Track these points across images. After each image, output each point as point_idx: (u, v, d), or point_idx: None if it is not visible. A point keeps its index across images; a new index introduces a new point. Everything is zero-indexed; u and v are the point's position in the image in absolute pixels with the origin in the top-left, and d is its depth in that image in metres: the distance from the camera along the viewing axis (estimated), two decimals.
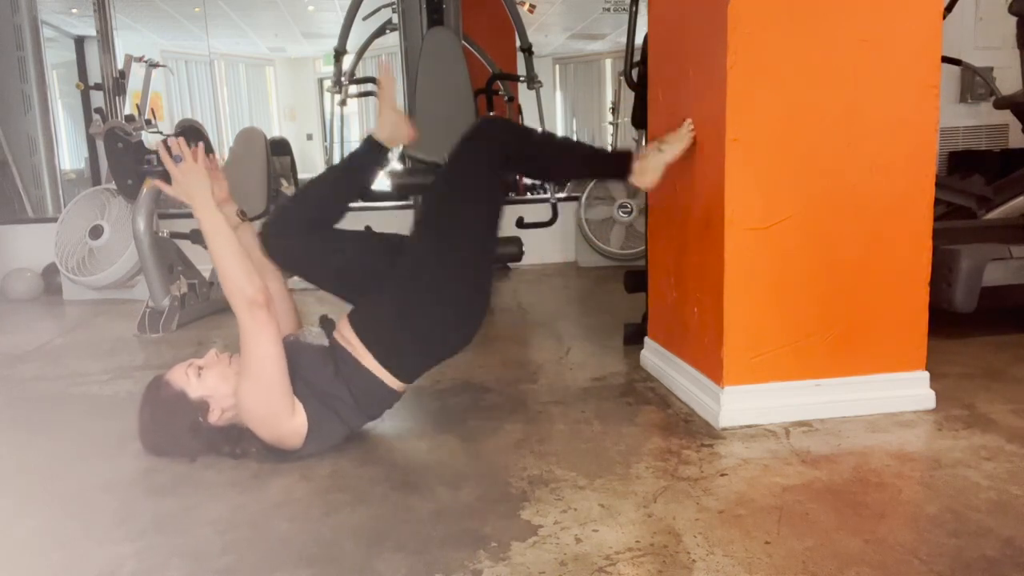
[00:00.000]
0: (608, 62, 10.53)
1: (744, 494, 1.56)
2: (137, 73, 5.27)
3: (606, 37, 9.86)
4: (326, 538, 1.44)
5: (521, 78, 4.75)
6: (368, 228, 1.98)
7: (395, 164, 6.21)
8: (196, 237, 3.87)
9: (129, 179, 3.45)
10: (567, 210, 4.82)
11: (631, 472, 1.68)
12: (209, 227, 1.72)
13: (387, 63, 2.12)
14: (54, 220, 4.44)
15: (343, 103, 4.76)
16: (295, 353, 1.80)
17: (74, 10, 6.87)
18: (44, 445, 2.04)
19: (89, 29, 6.03)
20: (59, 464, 1.89)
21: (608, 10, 8.03)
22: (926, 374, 2.01)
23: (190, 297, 3.63)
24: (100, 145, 4.14)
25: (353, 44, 4.66)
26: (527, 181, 7.70)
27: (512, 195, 5.75)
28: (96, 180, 6.13)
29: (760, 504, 1.51)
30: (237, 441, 1.80)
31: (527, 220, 4.46)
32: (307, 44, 9.62)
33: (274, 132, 8.97)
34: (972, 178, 3.62)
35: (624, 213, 4.81)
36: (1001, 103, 3.57)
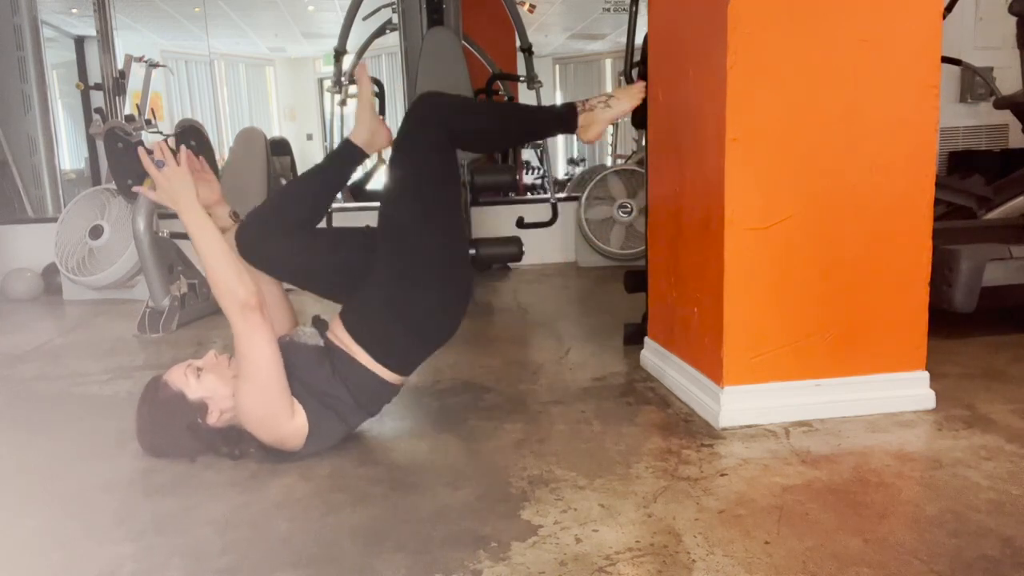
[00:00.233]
0: (608, 62, 10.52)
1: (744, 494, 1.56)
2: (137, 73, 5.27)
3: (606, 37, 9.86)
4: (326, 538, 1.44)
5: (521, 78, 4.75)
6: (368, 227, 1.97)
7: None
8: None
9: (129, 179, 3.44)
10: (567, 210, 4.82)
11: (631, 472, 1.68)
12: (195, 230, 1.71)
13: (363, 62, 2.10)
14: (54, 220, 4.44)
15: (343, 103, 4.76)
16: (290, 354, 1.80)
17: (74, 10, 6.87)
18: (44, 445, 2.04)
19: (89, 29, 6.03)
20: (59, 464, 1.89)
21: (608, 10, 8.03)
22: (926, 374, 2.01)
23: (190, 297, 3.63)
24: (100, 145, 4.14)
25: (353, 44, 4.66)
26: (527, 181, 7.71)
27: (512, 195, 5.75)
28: (96, 180, 6.13)
29: (760, 504, 1.51)
30: (236, 442, 1.80)
31: (527, 220, 4.46)
32: (307, 44, 9.61)
33: (274, 132, 8.97)
34: (972, 178, 3.62)
35: (624, 213, 4.81)
36: (1001, 103, 3.56)
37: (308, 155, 9.21)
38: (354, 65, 5.09)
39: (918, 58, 1.90)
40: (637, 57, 2.73)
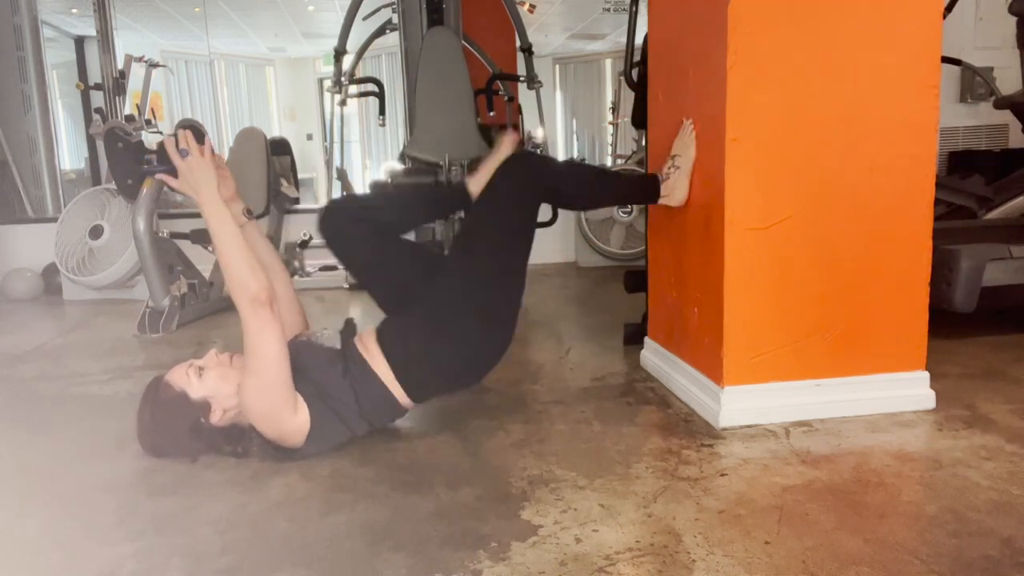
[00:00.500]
0: (608, 62, 10.53)
1: (744, 494, 1.56)
2: (137, 73, 5.28)
3: (606, 37, 9.86)
4: (326, 538, 1.44)
5: (521, 78, 4.75)
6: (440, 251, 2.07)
7: (395, 164, 6.21)
8: (196, 237, 3.87)
9: (129, 179, 3.45)
10: (567, 210, 4.82)
11: (631, 472, 1.68)
12: (214, 223, 1.72)
13: (516, 134, 2.25)
14: (54, 220, 4.45)
15: (343, 103, 4.75)
16: (305, 353, 1.81)
17: (74, 10, 6.87)
18: (44, 445, 2.04)
19: (89, 29, 6.03)
20: (59, 464, 1.89)
21: (608, 10, 8.03)
22: (926, 374, 2.01)
23: (190, 297, 3.63)
24: (100, 145, 4.15)
25: (353, 44, 4.66)
26: None
27: None
28: (96, 180, 6.13)
29: (760, 504, 1.51)
30: (239, 440, 1.80)
31: None
32: (307, 44, 9.62)
33: (274, 132, 8.97)
34: (972, 178, 3.62)
35: (624, 213, 4.81)
36: (1001, 103, 3.57)
37: (308, 155, 9.22)
38: (354, 65, 5.10)
39: (918, 58, 1.90)
40: (637, 57, 2.73)
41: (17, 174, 5.22)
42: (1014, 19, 3.17)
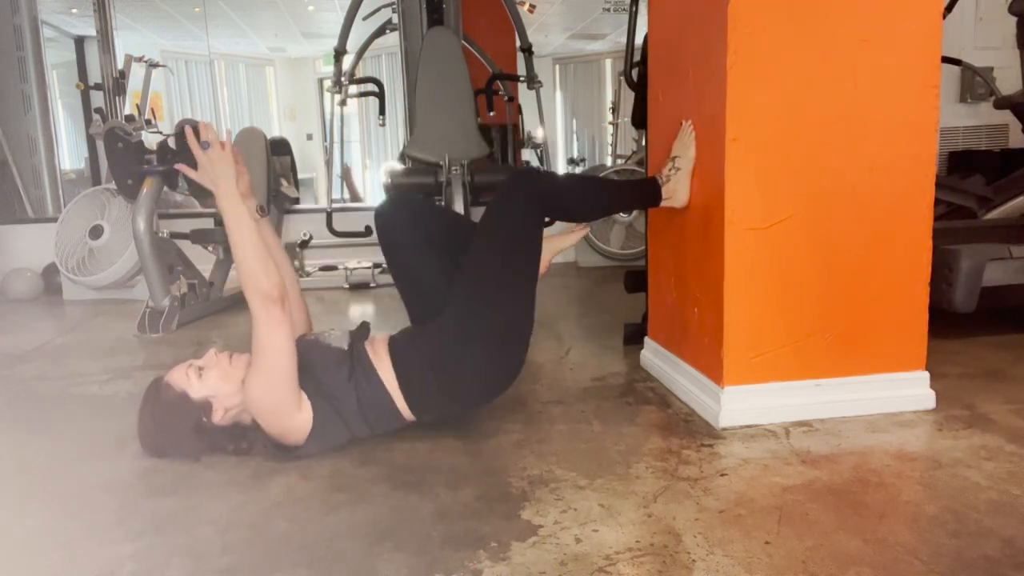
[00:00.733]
0: (608, 62, 10.53)
1: (744, 494, 1.56)
2: (137, 73, 5.28)
3: (606, 37, 9.86)
4: (326, 538, 1.45)
5: (521, 78, 4.75)
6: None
7: (395, 164, 6.21)
8: (196, 237, 3.87)
9: (129, 179, 3.45)
10: None
11: (631, 472, 1.68)
12: (231, 217, 1.72)
13: (585, 230, 2.30)
14: (54, 220, 4.45)
15: (343, 103, 4.76)
16: (312, 352, 1.81)
17: (74, 10, 6.87)
18: (44, 445, 2.04)
19: (89, 29, 6.03)
20: (59, 464, 1.89)
21: (608, 10, 8.03)
22: (926, 374, 2.01)
23: (190, 297, 3.63)
24: (100, 145, 4.15)
25: (353, 44, 4.66)
26: None
27: None
28: (96, 180, 6.14)
29: (760, 504, 1.51)
30: (241, 438, 1.80)
31: None
32: (307, 44, 9.62)
33: (274, 132, 8.98)
34: (972, 178, 3.62)
35: (624, 213, 4.81)
36: (1001, 103, 3.57)
37: (308, 155, 9.23)
38: (354, 65, 5.10)
39: (918, 58, 1.90)
40: (637, 57, 2.73)
41: (17, 174, 5.22)
42: (1014, 19, 3.17)
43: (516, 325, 1.93)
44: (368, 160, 9.49)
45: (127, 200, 3.64)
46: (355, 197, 8.44)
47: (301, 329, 1.99)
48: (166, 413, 1.78)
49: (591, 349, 2.78)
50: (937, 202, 2.83)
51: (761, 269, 1.91)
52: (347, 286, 4.46)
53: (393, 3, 4.95)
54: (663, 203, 2.11)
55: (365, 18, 4.85)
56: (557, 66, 10.75)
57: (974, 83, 4.79)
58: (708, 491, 1.57)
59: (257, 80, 9.79)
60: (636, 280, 2.85)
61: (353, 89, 4.97)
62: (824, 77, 1.87)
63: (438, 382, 1.87)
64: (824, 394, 1.96)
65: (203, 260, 3.91)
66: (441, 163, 3.81)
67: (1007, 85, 4.22)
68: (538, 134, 5.43)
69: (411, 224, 2.01)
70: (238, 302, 3.80)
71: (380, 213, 2.03)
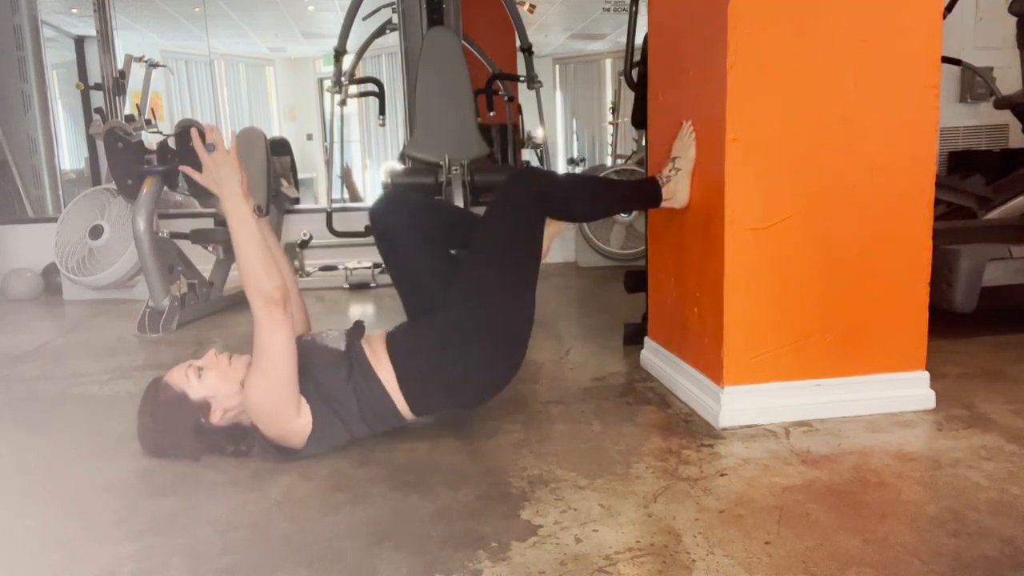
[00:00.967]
0: (608, 62, 10.53)
1: (744, 494, 1.56)
2: (137, 73, 5.28)
3: (606, 37, 9.86)
4: (326, 538, 1.45)
5: (521, 78, 4.76)
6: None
7: (395, 164, 6.21)
8: (196, 237, 3.87)
9: (129, 179, 3.45)
10: None
11: (631, 472, 1.68)
12: (236, 219, 1.71)
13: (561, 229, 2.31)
14: (54, 220, 4.45)
15: (343, 103, 4.76)
16: (310, 353, 1.81)
17: (74, 10, 6.87)
18: (44, 445, 2.04)
19: (89, 29, 6.03)
20: (59, 464, 1.89)
21: (608, 10, 8.03)
22: (926, 374, 2.01)
23: (190, 297, 3.63)
24: (100, 145, 4.15)
25: (353, 44, 4.66)
26: None
27: None
28: (96, 180, 6.13)
29: (760, 504, 1.51)
30: (240, 439, 1.80)
31: None
32: (307, 44, 9.62)
33: (274, 132, 8.97)
34: (972, 178, 3.62)
35: (624, 214, 4.81)
36: (1001, 103, 3.57)
37: (308, 155, 9.23)
38: (354, 65, 5.10)
39: (918, 58, 1.90)
40: (637, 57, 2.73)
41: (17, 174, 5.22)
42: (1014, 19, 3.17)
43: (515, 324, 1.93)
44: (368, 160, 9.49)
45: (127, 200, 3.64)
46: (355, 197, 8.44)
47: (300, 329, 1.99)
48: (165, 413, 1.78)
49: (591, 349, 2.78)
50: (937, 202, 2.83)
51: (761, 269, 1.91)
52: (347, 286, 4.46)
53: (393, 3, 4.95)
54: (663, 204, 2.11)
55: (365, 18, 4.85)
56: (557, 66, 10.75)
57: (974, 83, 4.79)
58: (708, 491, 1.57)
59: (257, 80, 9.79)
60: (636, 280, 2.85)
61: (353, 89, 4.97)
62: (824, 77, 1.87)
63: (437, 381, 1.87)
64: (824, 394, 1.96)
65: (203, 260, 3.91)
66: (441, 163, 3.81)
67: (1007, 85, 4.22)
68: (538, 134, 5.43)
69: (408, 222, 2.00)
70: (238, 302, 3.80)
71: (375, 211, 2.02)
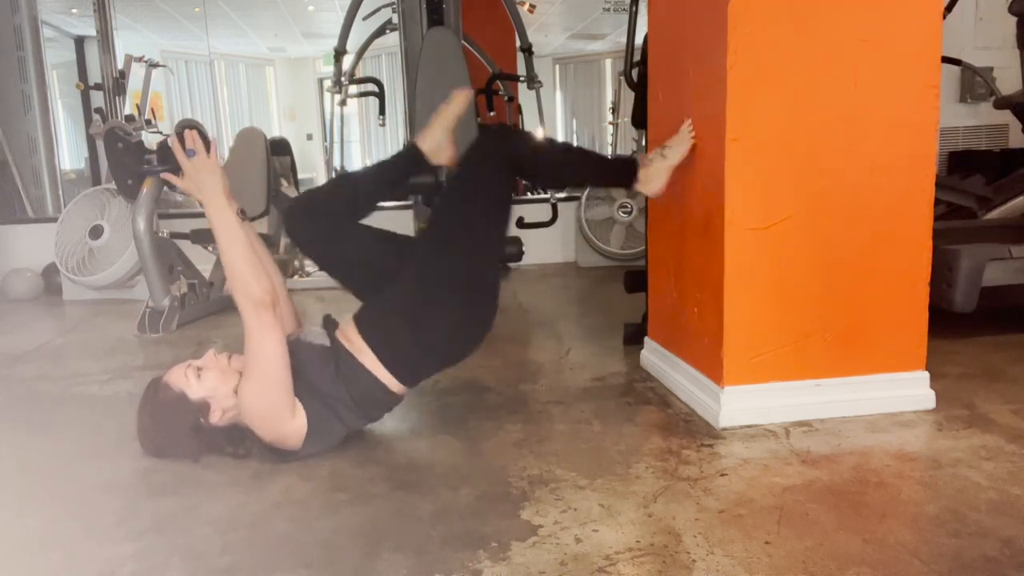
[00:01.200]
0: (608, 62, 10.52)
1: (744, 494, 1.56)
2: (137, 73, 5.27)
3: (606, 37, 9.85)
4: (326, 538, 1.44)
5: (521, 78, 4.76)
6: (411, 237, 2.01)
7: None
8: (196, 237, 3.87)
9: (129, 179, 3.45)
10: (567, 210, 4.82)
11: (631, 472, 1.68)
12: (219, 224, 1.71)
13: (469, 91, 2.20)
14: (54, 220, 4.44)
15: (343, 103, 4.76)
16: (297, 352, 1.80)
17: (74, 10, 6.87)
18: (44, 445, 2.04)
19: (89, 29, 6.03)
20: (59, 464, 1.89)
21: (608, 10, 8.02)
22: (926, 374, 2.01)
23: (190, 297, 3.63)
24: (100, 145, 4.14)
25: (353, 44, 4.66)
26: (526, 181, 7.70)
27: (512, 195, 5.74)
28: (96, 180, 6.13)
29: (760, 504, 1.51)
30: (239, 441, 1.80)
31: (527, 220, 4.46)
32: (307, 44, 9.61)
33: (274, 132, 8.96)
34: (972, 178, 3.62)
35: (624, 213, 4.81)
36: (1001, 103, 3.57)
37: (308, 155, 9.22)
38: (354, 65, 5.10)
39: (918, 58, 1.90)
40: (637, 57, 2.73)
41: (17, 174, 5.22)
42: (1014, 19, 3.17)
43: (484, 281, 1.93)
44: (368, 160, 9.48)
45: (127, 200, 3.64)
46: None
47: (289, 327, 1.98)
48: (164, 413, 1.78)
49: (591, 349, 2.77)
50: (937, 202, 2.83)
51: (761, 269, 1.91)
52: None
53: (393, 3, 4.95)
54: (636, 186, 2.06)
55: (365, 18, 4.85)
56: (557, 66, 10.74)
57: (974, 83, 4.79)
58: (708, 491, 1.57)
59: (257, 80, 9.79)
60: (636, 280, 2.85)
61: (353, 89, 4.97)
62: (824, 77, 1.87)
63: (419, 346, 1.86)
64: (824, 394, 1.96)
65: (203, 260, 3.91)
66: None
67: (1007, 85, 4.22)
68: (538, 134, 5.43)
69: (315, 215, 1.93)
70: None
71: (291, 230, 1.96)
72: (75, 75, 7.04)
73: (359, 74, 5.69)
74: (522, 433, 1.95)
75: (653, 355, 2.43)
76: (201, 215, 4.55)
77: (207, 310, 3.73)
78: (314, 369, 1.80)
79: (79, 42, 7.11)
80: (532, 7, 7.64)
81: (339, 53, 4.53)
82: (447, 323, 1.87)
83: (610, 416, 2.06)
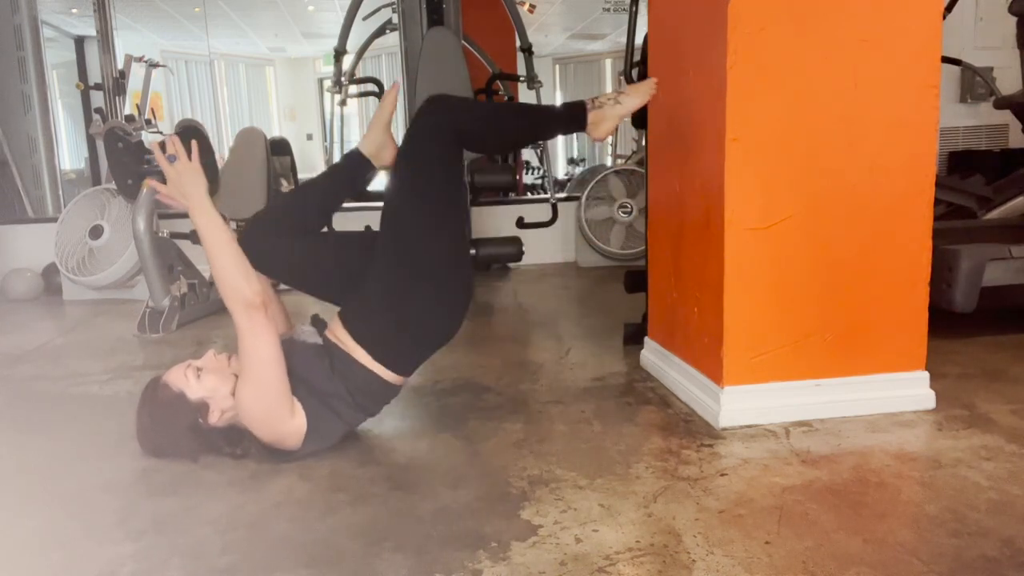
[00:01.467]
0: (608, 62, 10.52)
1: (744, 494, 1.56)
2: (137, 73, 5.27)
3: (606, 37, 9.86)
4: (326, 538, 1.44)
5: (521, 78, 4.76)
6: (368, 228, 1.98)
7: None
8: (196, 237, 3.87)
9: (129, 179, 3.45)
10: (567, 210, 4.82)
11: (631, 472, 1.68)
12: (205, 227, 1.70)
13: (396, 82, 2.12)
14: (54, 220, 4.44)
15: (343, 103, 4.77)
16: (290, 353, 1.80)
17: (74, 10, 6.87)
18: (44, 445, 2.04)
19: (89, 29, 6.03)
20: (59, 464, 1.89)
21: (608, 10, 8.03)
22: (926, 374, 2.01)
23: (190, 297, 3.63)
24: (100, 145, 4.14)
25: (353, 44, 4.66)
26: (527, 181, 7.71)
27: (512, 195, 5.75)
28: (96, 180, 6.13)
29: (760, 504, 1.51)
30: (237, 442, 1.80)
31: (527, 220, 4.46)
32: (307, 44, 9.62)
33: (274, 132, 8.97)
34: (972, 178, 3.63)
35: (624, 213, 4.81)
36: (1001, 103, 3.57)
37: (308, 155, 9.23)
38: (354, 65, 5.10)
39: (918, 58, 1.90)
40: (637, 57, 2.73)
41: (17, 174, 5.22)
42: (1014, 19, 3.17)
43: (449, 254, 1.90)
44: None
45: (127, 200, 3.64)
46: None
47: (281, 328, 1.98)
48: (163, 413, 1.78)
49: (591, 349, 2.77)
50: (937, 202, 2.83)
51: (761, 269, 1.91)
52: None
53: (393, 3, 4.96)
54: (587, 128, 1.98)
55: (365, 18, 4.85)
56: (557, 66, 10.75)
57: (974, 83, 4.79)
58: (708, 491, 1.57)
59: (257, 80, 9.79)
60: (636, 280, 2.85)
61: (353, 89, 4.97)
62: (824, 77, 1.87)
63: (404, 334, 1.86)
64: (824, 394, 1.96)
65: (203, 260, 3.89)
66: None
67: (1007, 85, 4.22)
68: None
69: (268, 233, 1.93)
70: None
71: (249, 251, 1.85)
72: (75, 75, 7.04)
73: (359, 74, 5.69)
74: (522, 433, 1.95)
75: (653, 355, 2.43)
76: None
77: (207, 310, 3.72)
78: (309, 368, 1.80)
79: (79, 42, 7.11)
80: (532, 7, 7.65)
81: (339, 53, 4.54)
82: (425, 305, 1.86)
83: (610, 416, 2.06)
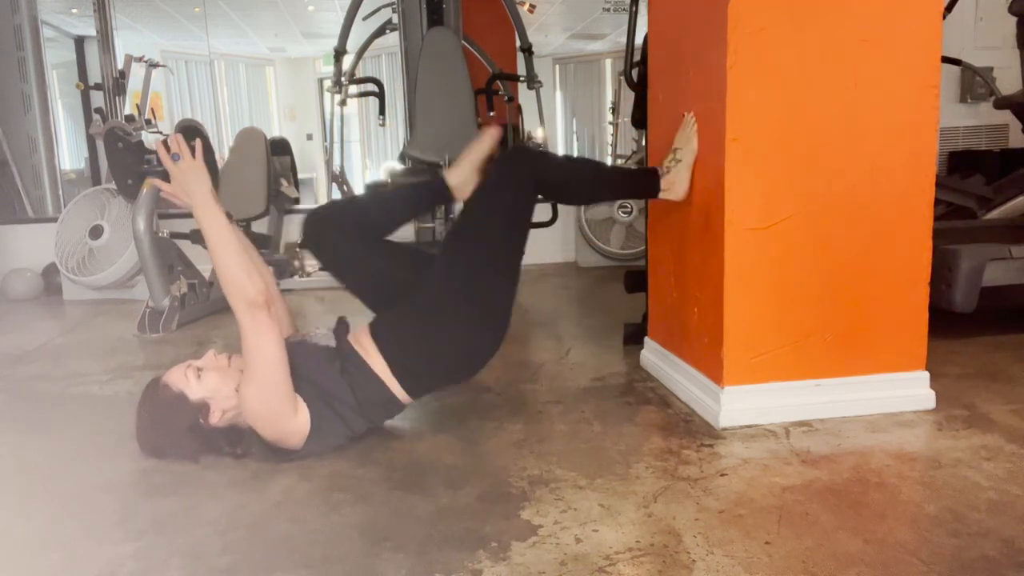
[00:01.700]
0: (608, 62, 10.52)
1: (744, 494, 1.56)
2: (137, 73, 5.28)
3: (606, 37, 9.86)
4: (326, 538, 1.44)
5: (521, 78, 4.76)
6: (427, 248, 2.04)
7: (395, 164, 6.20)
8: (196, 237, 3.87)
9: (129, 179, 3.45)
10: (567, 210, 4.82)
11: (631, 472, 1.68)
12: (209, 226, 1.71)
13: (498, 127, 2.25)
14: (54, 220, 4.45)
15: (343, 103, 4.76)
16: (301, 353, 1.81)
17: (74, 10, 6.87)
18: (44, 445, 2.04)
19: (89, 29, 6.03)
20: (59, 464, 1.89)
21: (608, 10, 8.03)
22: (926, 374, 2.01)
23: (190, 297, 3.63)
24: (100, 145, 4.15)
25: (353, 44, 4.66)
26: None
27: None
28: (96, 180, 6.13)
29: (760, 504, 1.51)
30: (238, 442, 1.80)
31: None
32: (307, 44, 9.62)
33: (274, 132, 8.97)
34: (972, 178, 3.63)
35: (624, 213, 4.81)
36: (1001, 103, 3.57)
37: (308, 155, 9.23)
38: (354, 65, 5.10)
39: (918, 58, 1.90)
40: (637, 57, 2.73)
41: (17, 174, 5.22)
42: (1014, 19, 3.17)
43: (500, 298, 1.95)
44: (368, 160, 9.48)
45: (127, 200, 3.64)
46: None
47: (286, 331, 1.98)
48: (163, 413, 1.78)
49: (591, 349, 2.77)
50: (937, 202, 2.84)
51: (761, 269, 1.91)
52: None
53: (393, 3, 4.95)
54: (661, 195, 2.09)
55: (365, 18, 4.85)
56: (557, 66, 10.74)
57: (974, 83, 4.80)
58: (708, 491, 1.57)
59: (257, 80, 9.79)
60: (636, 280, 2.85)
61: (353, 89, 4.97)
62: (824, 77, 1.87)
63: (429, 361, 1.88)
64: (824, 394, 1.96)
65: (203, 260, 3.90)
66: (441, 163, 3.81)
67: (1007, 85, 4.22)
68: (538, 134, 5.43)
69: (340, 226, 1.97)
70: None
71: (306, 229, 1.97)
72: (75, 75, 7.04)
73: (359, 74, 5.69)
74: (522, 433, 1.95)
75: (653, 355, 2.43)
76: None
77: (207, 310, 3.73)
78: (317, 368, 1.80)
79: (79, 42, 7.11)
80: (532, 7, 7.64)
81: (339, 53, 4.54)
82: (459, 342, 1.90)
83: (610, 416, 2.06)
